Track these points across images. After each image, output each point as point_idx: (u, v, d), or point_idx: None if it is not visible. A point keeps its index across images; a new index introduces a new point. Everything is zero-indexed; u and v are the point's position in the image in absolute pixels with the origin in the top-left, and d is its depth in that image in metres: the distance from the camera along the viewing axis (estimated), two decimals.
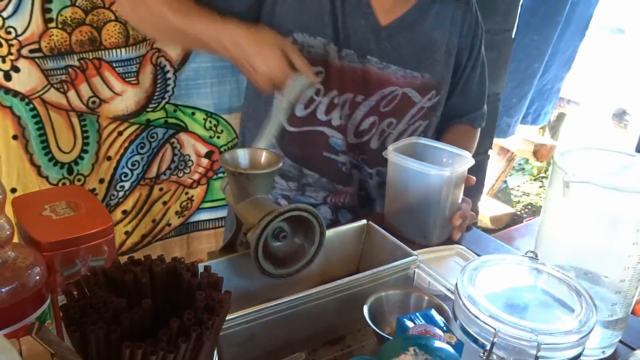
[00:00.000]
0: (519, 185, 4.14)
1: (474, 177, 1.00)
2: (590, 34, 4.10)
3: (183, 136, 1.32)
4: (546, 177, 4.22)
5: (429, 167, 0.93)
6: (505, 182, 3.64)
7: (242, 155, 0.80)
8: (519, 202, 3.84)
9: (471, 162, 0.97)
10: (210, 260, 0.78)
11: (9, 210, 0.56)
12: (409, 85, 1.08)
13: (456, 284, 0.60)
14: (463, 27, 1.11)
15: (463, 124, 1.23)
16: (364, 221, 0.89)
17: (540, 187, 4.13)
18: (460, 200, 1.00)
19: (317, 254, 0.78)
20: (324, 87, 1.04)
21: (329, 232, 0.81)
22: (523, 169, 4.25)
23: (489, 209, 3.09)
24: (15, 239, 0.55)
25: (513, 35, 1.95)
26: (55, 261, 0.57)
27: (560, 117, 3.97)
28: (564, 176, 0.67)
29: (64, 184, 1.18)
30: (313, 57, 1.00)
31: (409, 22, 1.05)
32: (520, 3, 1.92)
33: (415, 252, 0.78)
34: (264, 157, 0.80)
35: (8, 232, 0.51)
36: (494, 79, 1.98)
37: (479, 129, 1.27)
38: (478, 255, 0.94)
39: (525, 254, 0.65)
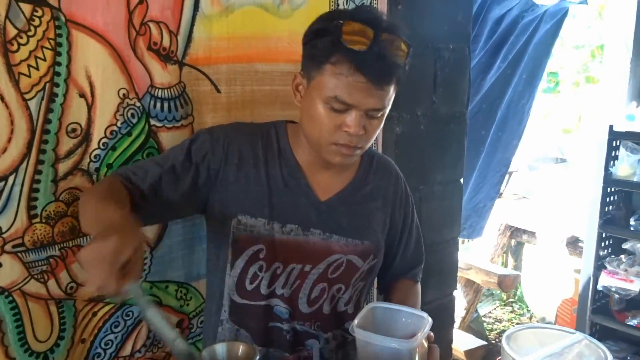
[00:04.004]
0: (490, 312, 4.18)
1: (433, 334, 1.06)
2: (536, 164, 4.42)
3: None
4: (516, 302, 4.30)
5: (397, 342, 0.97)
6: (476, 311, 3.68)
7: (220, 351, 0.86)
8: (492, 329, 3.86)
9: (429, 322, 1.03)
10: None
11: None
12: (352, 252, 1.17)
13: None
14: (395, 200, 1.26)
15: (406, 279, 1.35)
16: None
17: (511, 312, 4.18)
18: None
19: None
20: (266, 263, 1.13)
21: None
22: (492, 294, 4.32)
23: (462, 343, 3.09)
24: None
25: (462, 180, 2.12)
26: None
27: (519, 246, 4.17)
28: None
29: None
30: (255, 236, 1.12)
31: (346, 197, 1.18)
32: (465, 154, 2.12)
33: None
34: (240, 350, 0.86)
35: None
36: (449, 224, 2.12)
37: (419, 282, 1.38)
38: None
39: None
